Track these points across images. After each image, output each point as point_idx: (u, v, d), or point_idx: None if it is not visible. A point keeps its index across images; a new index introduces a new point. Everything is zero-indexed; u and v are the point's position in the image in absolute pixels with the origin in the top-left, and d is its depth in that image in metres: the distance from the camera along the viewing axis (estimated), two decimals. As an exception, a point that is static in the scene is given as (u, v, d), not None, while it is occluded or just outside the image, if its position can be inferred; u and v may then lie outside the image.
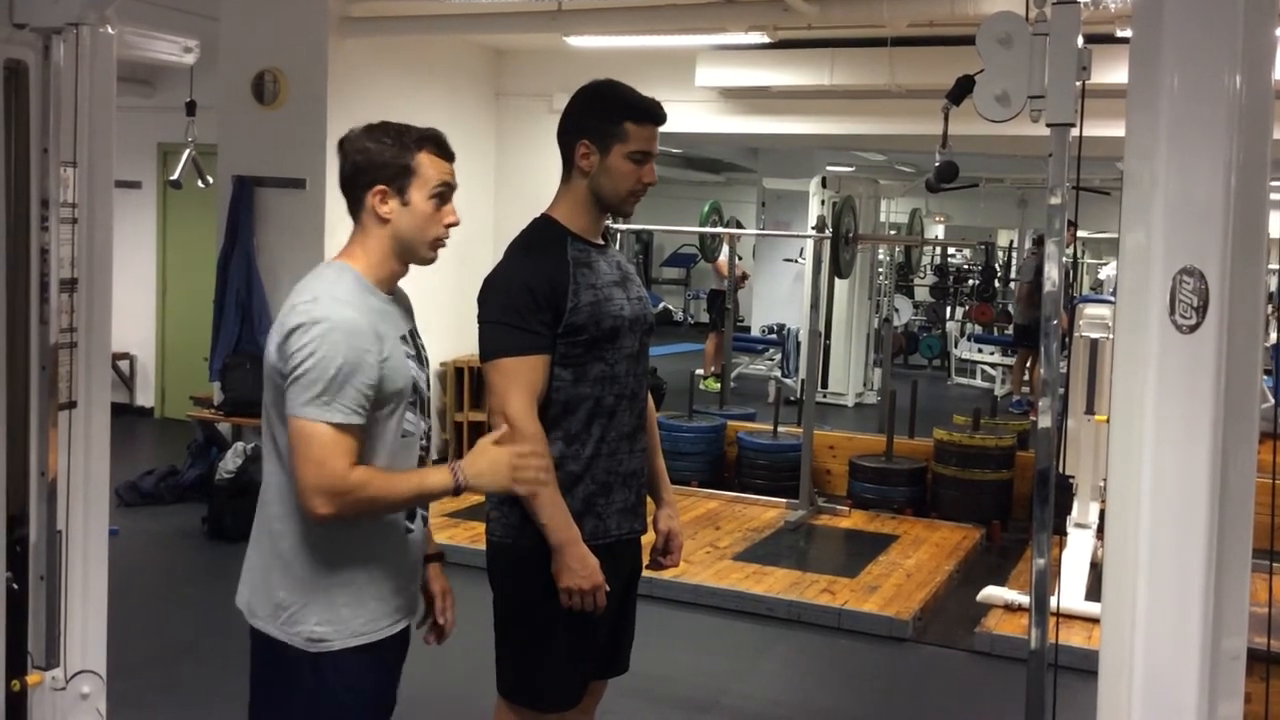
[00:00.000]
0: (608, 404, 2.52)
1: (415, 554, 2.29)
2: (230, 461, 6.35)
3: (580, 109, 2.58)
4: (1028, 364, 11.11)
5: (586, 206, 2.57)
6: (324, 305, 2.08)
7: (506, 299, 2.46)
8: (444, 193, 2.21)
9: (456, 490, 2.15)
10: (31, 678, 2.58)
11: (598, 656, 2.62)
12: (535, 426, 2.41)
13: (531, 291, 2.44)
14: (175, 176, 7.19)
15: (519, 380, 2.41)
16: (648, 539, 2.73)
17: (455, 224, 2.23)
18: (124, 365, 9.31)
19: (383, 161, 2.17)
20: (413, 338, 2.26)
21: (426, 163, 2.19)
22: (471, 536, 5.73)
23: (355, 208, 2.22)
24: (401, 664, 2.30)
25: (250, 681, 2.29)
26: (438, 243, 2.23)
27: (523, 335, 2.43)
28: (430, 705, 2.96)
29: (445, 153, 2.23)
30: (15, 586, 2.56)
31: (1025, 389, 11.02)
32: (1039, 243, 11.92)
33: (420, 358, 2.26)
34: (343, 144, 2.22)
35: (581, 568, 2.41)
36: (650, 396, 2.76)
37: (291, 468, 2.07)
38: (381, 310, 2.17)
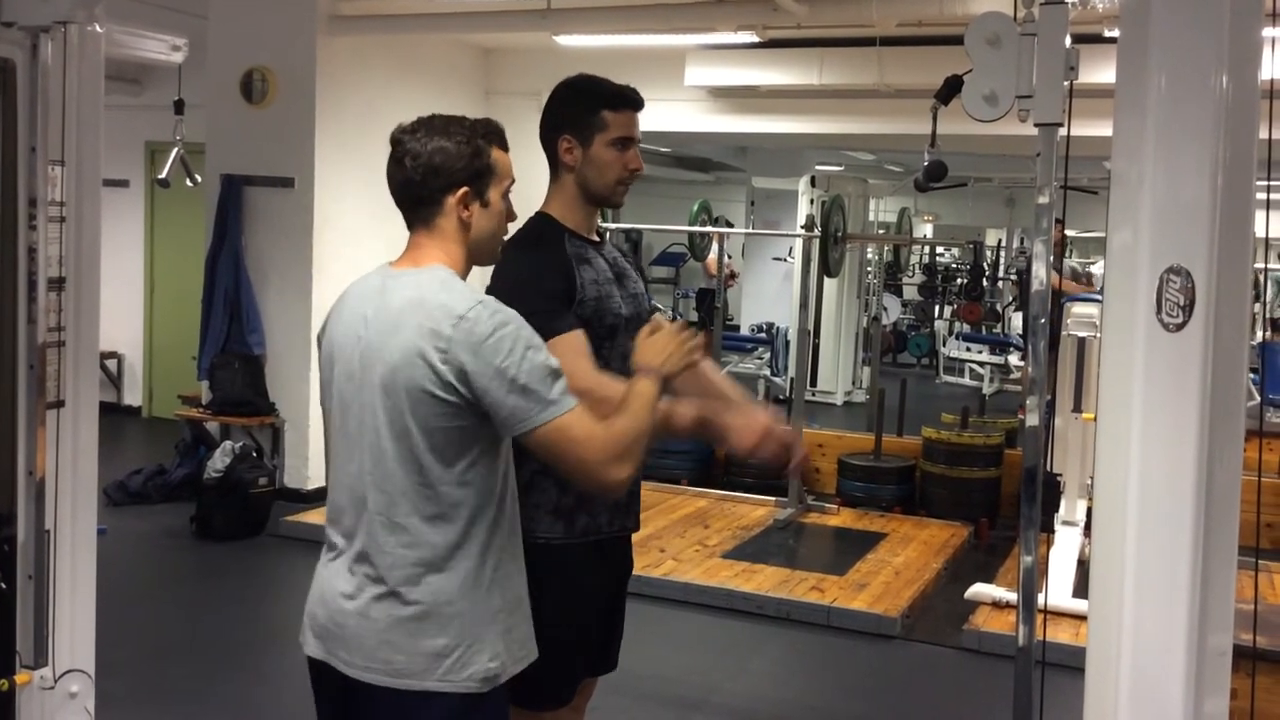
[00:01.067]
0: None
1: None
2: (218, 461, 6.33)
3: (557, 105, 2.59)
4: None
5: (578, 202, 2.57)
6: (493, 303, 1.96)
7: (525, 291, 2.37)
8: (510, 188, 2.12)
9: (662, 386, 2.07)
10: (20, 677, 2.57)
11: (591, 653, 2.62)
12: (613, 382, 2.28)
13: (544, 280, 2.43)
14: (163, 175, 7.16)
15: (571, 352, 2.32)
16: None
17: (515, 219, 2.17)
18: (112, 364, 9.28)
19: (463, 162, 2.03)
20: None
21: (500, 159, 2.09)
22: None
23: (428, 212, 2.05)
24: None
25: None
26: (501, 243, 2.16)
27: (555, 317, 2.38)
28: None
29: (506, 145, 2.13)
30: (3, 586, 2.55)
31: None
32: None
33: None
34: (403, 142, 2.04)
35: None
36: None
37: (567, 468, 1.97)
38: None
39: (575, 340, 2.39)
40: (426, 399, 1.92)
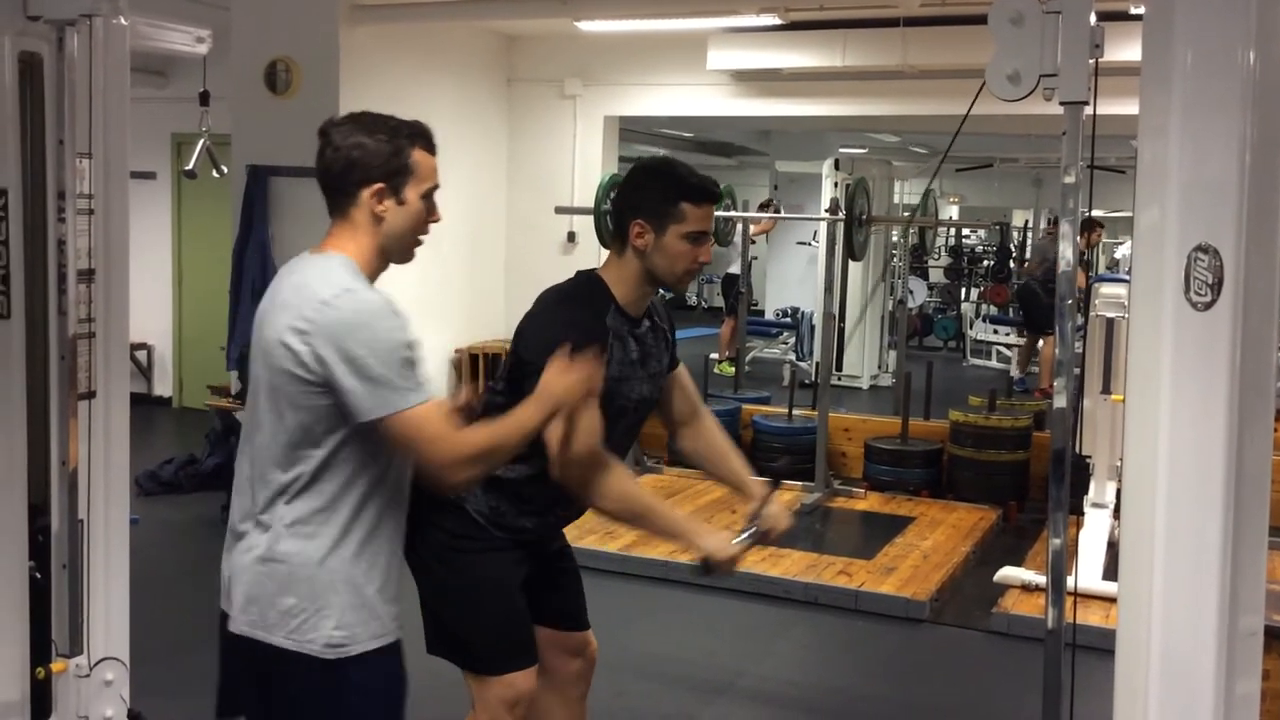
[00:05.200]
0: None
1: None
2: (248, 450, 6.37)
3: (635, 187, 2.57)
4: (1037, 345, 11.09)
5: (638, 282, 2.56)
6: (363, 292, 2.07)
7: (551, 347, 2.37)
8: (433, 191, 2.19)
9: (549, 415, 2.22)
10: (56, 665, 2.60)
11: (531, 604, 2.67)
12: (588, 440, 2.39)
13: (572, 339, 2.40)
14: (190, 166, 7.21)
15: (585, 420, 2.37)
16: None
17: (438, 221, 2.22)
18: (142, 355, 9.36)
19: (381, 159, 2.12)
20: None
21: (421, 160, 2.16)
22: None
23: (344, 202, 2.15)
24: None
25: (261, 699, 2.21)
26: (419, 242, 2.22)
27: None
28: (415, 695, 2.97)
29: (433, 149, 2.20)
30: (38, 575, 2.58)
31: (1034, 368, 11.01)
32: (1055, 223, 11.86)
33: None
34: (329, 133, 2.15)
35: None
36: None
37: (415, 460, 2.11)
38: None
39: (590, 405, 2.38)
40: (290, 379, 2.05)
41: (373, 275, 2.17)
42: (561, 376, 2.25)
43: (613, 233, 2.62)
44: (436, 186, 2.20)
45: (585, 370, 2.26)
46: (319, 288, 2.06)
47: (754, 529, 2.60)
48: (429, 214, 2.19)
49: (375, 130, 2.13)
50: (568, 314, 2.52)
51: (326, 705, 2.14)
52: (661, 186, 2.52)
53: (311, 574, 2.10)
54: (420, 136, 2.17)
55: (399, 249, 2.19)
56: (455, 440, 2.09)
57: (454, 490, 2.17)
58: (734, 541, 2.50)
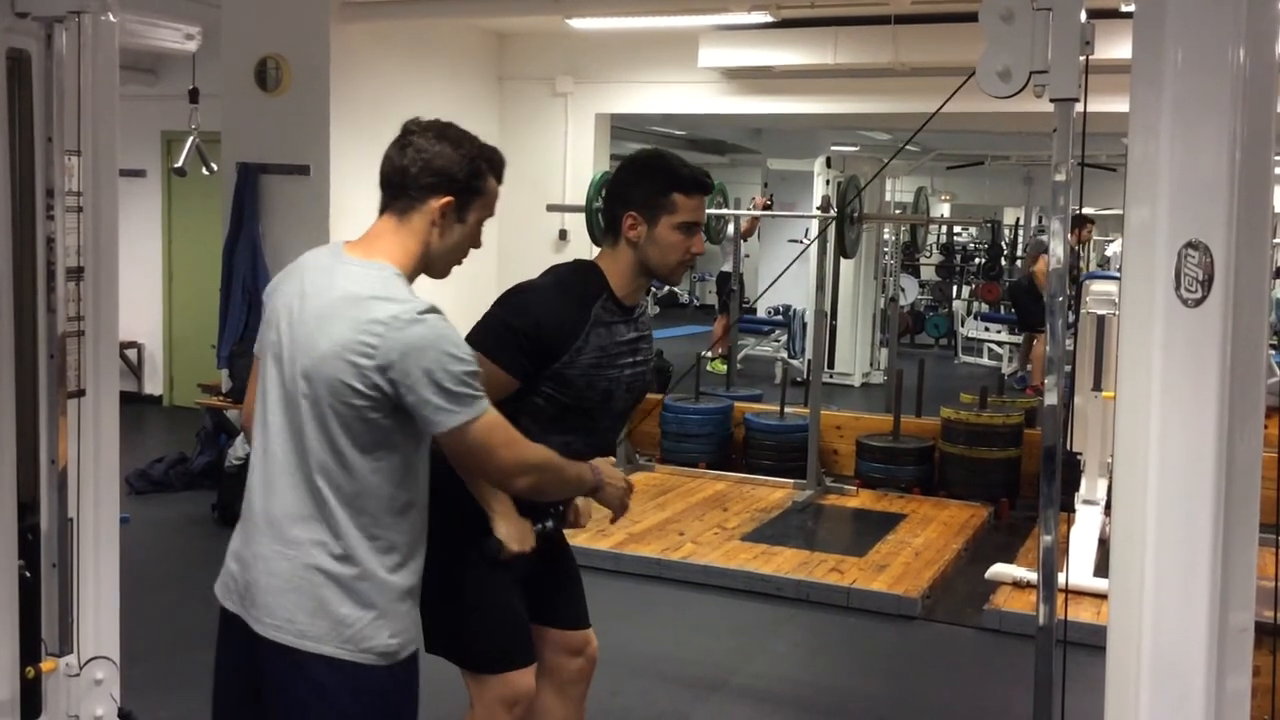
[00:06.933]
0: (576, 448, 2.47)
1: None
2: (240, 448, 6.37)
3: (627, 180, 2.58)
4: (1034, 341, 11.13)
5: (631, 273, 2.58)
6: (423, 305, 2.03)
7: (521, 308, 2.51)
8: (485, 219, 2.19)
9: (594, 489, 2.38)
10: (45, 664, 2.59)
11: (532, 604, 2.68)
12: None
13: (543, 317, 2.48)
14: (180, 164, 7.19)
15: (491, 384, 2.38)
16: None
17: (479, 248, 2.23)
18: (131, 354, 9.33)
19: (462, 175, 2.10)
20: None
21: (492, 188, 2.16)
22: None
23: (407, 205, 2.10)
24: None
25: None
26: (459, 263, 2.23)
27: (507, 350, 2.46)
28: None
29: (502, 179, 2.20)
30: (28, 574, 2.57)
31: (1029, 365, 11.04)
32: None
33: None
34: (413, 134, 2.11)
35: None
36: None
37: (477, 461, 2.14)
38: None
39: (492, 370, 2.38)
40: (348, 391, 1.98)
41: (409, 282, 2.13)
42: (620, 482, 2.47)
43: (606, 225, 2.62)
44: (491, 215, 2.20)
45: (626, 494, 2.49)
46: (384, 304, 2.00)
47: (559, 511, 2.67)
48: (477, 239, 2.20)
49: (462, 144, 2.11)
50: (551, 294, 2.54)
51: (379, 712, 2.11)
52: (653, 178, 2.54)
53: (375, 585, 2.06)
54: (497, 165, 2.17)
55: (440, 265, 2.17)
56: (522, 447, 2.14)
57: (513, 494, 2.30)
58: (534, 528, 2.55)
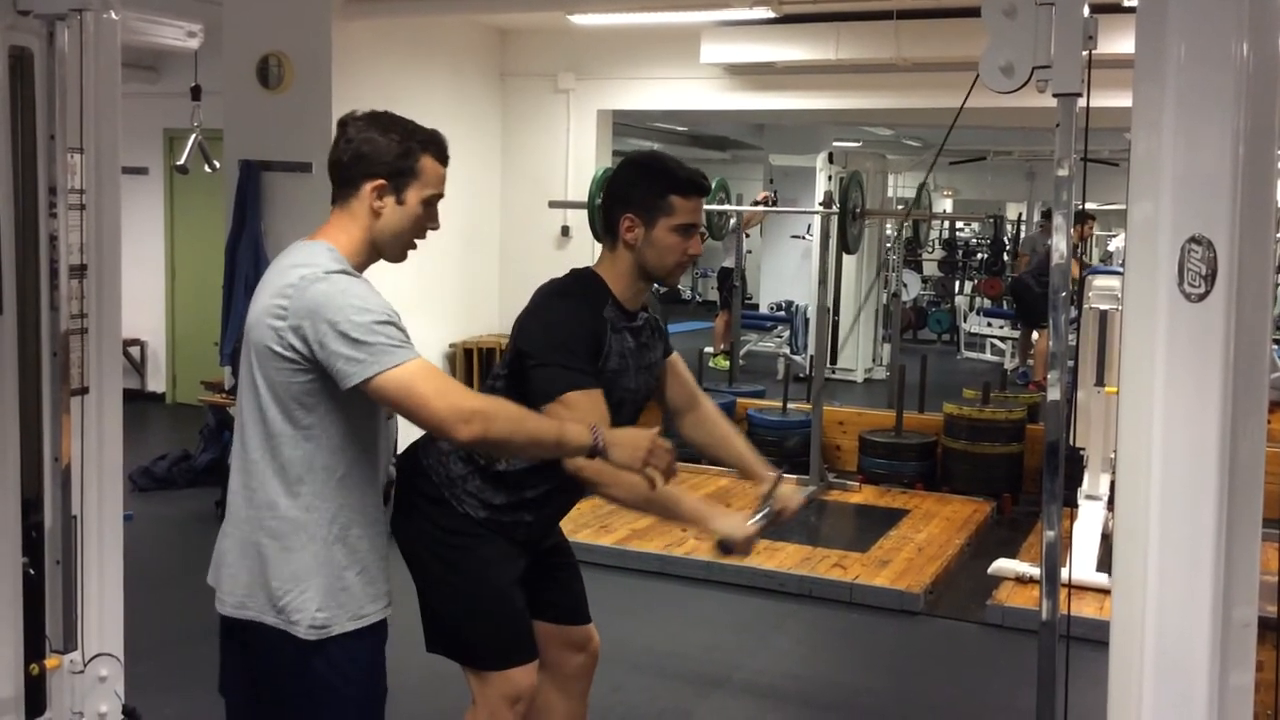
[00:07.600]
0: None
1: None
2: (242, 445, 6.37)
3: (623, 182, 2.58)
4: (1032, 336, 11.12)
5: (630, 277, 2.58)
6: (332, 265, 2.11)
7: (554, 336, 2.47)
8: (435, 199, 2.23)
9: (593, 450, 2.18)
10: (50, 661, 2.59)
11: (533, 600, 2.68)
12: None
13: (576, 333, 2.47)
14: (182, 162, 7.19)
15: (590, 407, 2.39)
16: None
17: (435, 229, 2.26)
18: (134, 351, 9.34)
19: (389, 157, 2.17)
20: None
21: (429, 167, 2.20)
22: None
23: (346, 192, 2.21)
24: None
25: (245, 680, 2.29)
26: (413, 245, 2.25)
27: (579, 371, 2.44)
28: (416, 692, 2.97)
29: (445, 159, 2.24)
30: (32, 571, 2.58)
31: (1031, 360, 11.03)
32: (1047, 216, 11.86)
33: None
34: (346, 125, 2.20)
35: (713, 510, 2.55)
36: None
37: (412, 415, 2.05)
38: None
39: (595, 398, 2.41)
40: (271, 355, 2.10)
41: (360, 266, 2.20)
42: (636, 440, 2.23)
43: (603, 228, 2.62)
44: (440, 195, 2.23)
45: (656, 449, 2.24)
46: (298, 269, 2.11)
47: (768, 509, 2.63)
48: (427, 220, 2.23)
49: (390, 129, 2.19)
50: (567, 306, 2.54)
51: (307, 685, 2.17)
52: (650, 180, 2.53)
53: (294, 555, 2.13)
54: (433, 144, 2.22)
55: (391, 248, 2.23)
56: (458, 395, 2.06)
57: (462, 445, 2.20)
58: (749, 522, 2.53)
